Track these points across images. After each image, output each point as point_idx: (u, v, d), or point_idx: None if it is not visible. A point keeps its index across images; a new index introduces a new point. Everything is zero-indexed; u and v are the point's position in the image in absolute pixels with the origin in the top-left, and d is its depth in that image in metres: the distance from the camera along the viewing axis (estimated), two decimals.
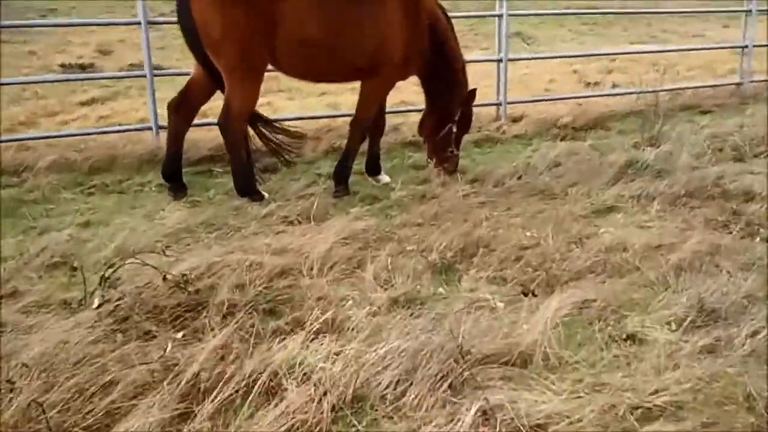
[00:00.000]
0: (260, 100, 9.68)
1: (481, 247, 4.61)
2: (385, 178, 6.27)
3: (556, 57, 10.83)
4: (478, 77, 9.98)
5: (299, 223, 5.13)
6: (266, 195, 5.68)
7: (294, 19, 5.30)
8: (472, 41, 17.00)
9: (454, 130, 6.19)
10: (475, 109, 8.35)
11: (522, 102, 8.86)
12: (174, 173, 5.84)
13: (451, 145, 6.21)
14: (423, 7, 5.79)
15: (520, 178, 6.22)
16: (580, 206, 5.47)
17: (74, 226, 5.08)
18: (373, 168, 6.31)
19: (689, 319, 3.55)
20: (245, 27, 5.21)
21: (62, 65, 13.14)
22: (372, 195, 5.85)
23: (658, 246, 4.60)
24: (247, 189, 5.65)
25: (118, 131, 7.21)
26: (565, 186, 5.96)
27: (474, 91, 6.22)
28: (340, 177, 5.88)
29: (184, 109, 5.76)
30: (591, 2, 23.19)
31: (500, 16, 8.22)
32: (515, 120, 8.41)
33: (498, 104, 8.45)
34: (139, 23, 6.75)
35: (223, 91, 5.51)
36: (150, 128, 7.06)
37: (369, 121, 5.94)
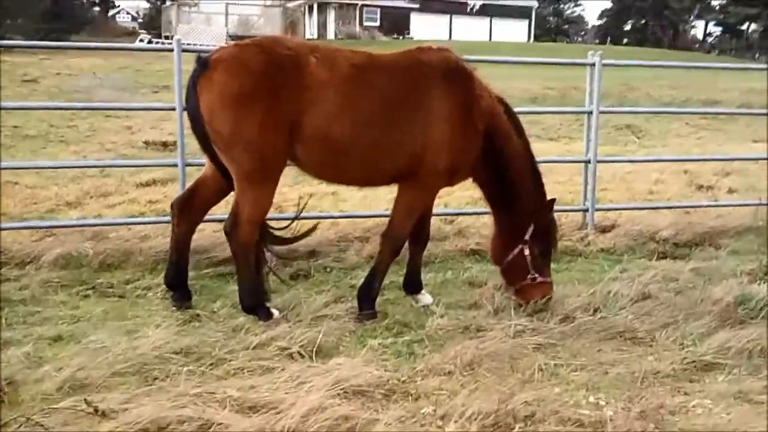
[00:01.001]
0: (327, 189, 8.97)
1: (521, 421, 3.42)
2: (425, 298, 5.18)
3: (653, 161, 9.33)
4: (573, 173, 8.89)
5: (301, 357, 4.13)
6: (276, 313, 4.73)
7: (320, 119, 4.47)
8: (578, 132, 15.87)
9: (527, 252, 5.00)
10: (559, 215, 7.30)
11: (613, 209, 7.57)
12: (177, 282, 5.02)
13: (529, 270, 4.99)
14: (478, 107, 4.80)
15: (596, 311, 4.96)
16: (668, 360, 4.19)
17: (41, 340, 4.31)
18: (413, 285, 5.25)
19: None
20: (261, 127, 4.40)
21: (145, 142, 13.03)
22: (402, 321, 4.77)
23: None
24: (254, 306, 4.73)
25: (139, 223, 6.55)
26: (652, 328, 4.66)
27: (551, 201, 5.08)
28: (365, 299, 4.85)
29: (190, 210, 4.98)
30: (711, 96, 21.50)
31: (590, 113, 7.09)
32: (605, 230, 7.13)
33: (584, 210, 7.23)
34: (173, 109, 6.16)
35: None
36: None
37: (404, 237, 4.93)
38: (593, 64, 6.95)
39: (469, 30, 49.63)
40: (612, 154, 12.50)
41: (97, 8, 50.81)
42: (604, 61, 6.94)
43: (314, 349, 4.17)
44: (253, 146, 4.43)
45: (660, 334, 4.57)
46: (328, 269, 5.89)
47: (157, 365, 3.95)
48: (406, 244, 5.22)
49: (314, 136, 4.50)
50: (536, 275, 5.01)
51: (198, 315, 4.80)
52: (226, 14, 38.79)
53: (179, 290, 5.03)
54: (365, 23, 51.60)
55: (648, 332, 4.60)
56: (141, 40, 40.88)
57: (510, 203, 5.02)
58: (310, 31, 50.86)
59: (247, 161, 4.48)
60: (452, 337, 4.47)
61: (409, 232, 4.93)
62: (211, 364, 4.01)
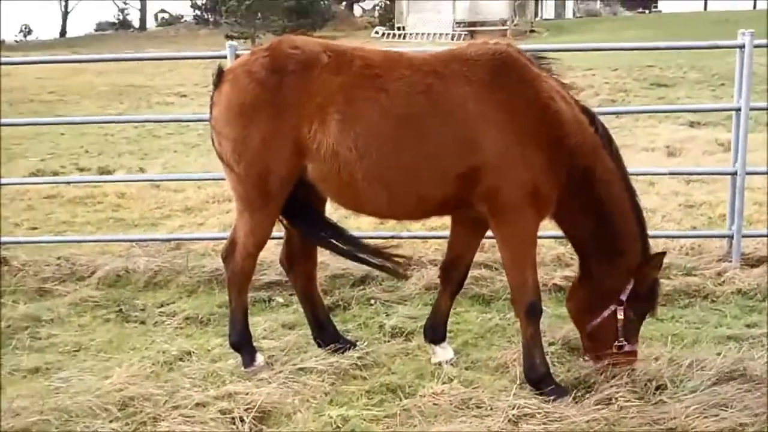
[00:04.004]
0: None
1: None
2: (444, 353, 4.22)
3: None
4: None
5: (241, 422, 3.54)
6: (259, 359, 4.16)
7: (330, 133, 3.77)
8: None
9: (620, 315, 3.86)
10: (699, 241, 5.82)
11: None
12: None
13: (618, 336, 3.87)
14: (548, 112, 3.73)
15: (659, 390, 3.68)
16: None
17: (19, 371, 4.23)
18: (434, 332, 4.28)
19: None
20: (264, 143, 3.86)
21: None
22: (394, 385, 3.88)
23: None
24: (239, 345, 4.21)
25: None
26: (718, 429, 3.31)
27: (661, 255, 3.91)
28: (537, 381, 3.81)
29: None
30: None
31: (737, 110, 5.45)
32: (754, 264, 5.47)
33: (728, 236, 5.60)
34: None
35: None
36: None
37: (533, 293, 3.85)
38: (742, 46, 5.32)
39: None
40: None
41: (343, 3, 53.60)
42: (758, 42, 5.26)
43: (256, 416, 3.55)
44: (254, 165, 3.90)
45: None
46: (372, 301, 5.17)
47: (85, 418, 3.60)
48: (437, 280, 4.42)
49: (324, 154, 3.81)
50: (624, 343, 3.88)
51: (190, 353, 4.41)
52: (453, 0, 38.41)
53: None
54: None
55: None
56: (376, 33, 42.29)
57: (604, 251, 3.88)
58: (545, 12, 48.80)
59: (247, 182, 3.97)
60: (436, 416, 3.55)
61: (535, 284, 3.88)
62: (141, 423, 3.58)
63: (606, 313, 3.88)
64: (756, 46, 5.26)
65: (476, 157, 3.71)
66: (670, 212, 7.28)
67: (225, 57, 5.53)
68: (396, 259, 4.24)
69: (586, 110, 3.94)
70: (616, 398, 3.60)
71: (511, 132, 3.71)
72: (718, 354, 3.99)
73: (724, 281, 5.25)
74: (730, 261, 5.49)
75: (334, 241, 4.21)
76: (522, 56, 3.89)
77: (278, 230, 4.30)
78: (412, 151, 3.78)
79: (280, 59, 3.90)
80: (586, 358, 4.04)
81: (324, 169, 3.86)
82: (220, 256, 4.34)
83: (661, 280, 5.11)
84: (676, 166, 9.79)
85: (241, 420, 3.54)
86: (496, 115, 3.72)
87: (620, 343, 3.87)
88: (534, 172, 3.73)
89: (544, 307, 4.83)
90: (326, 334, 4.38)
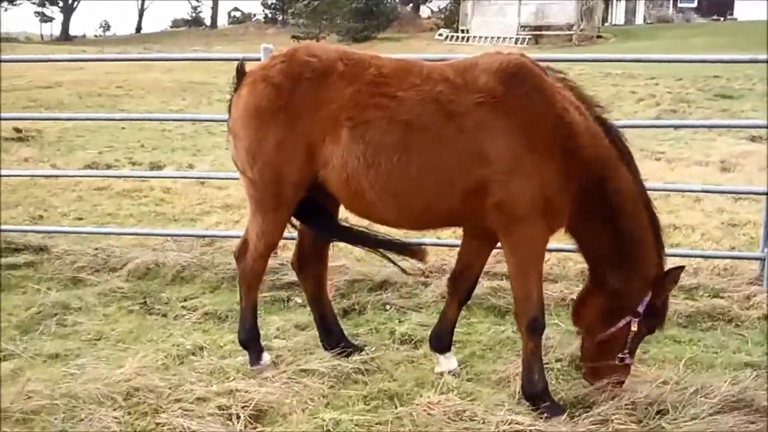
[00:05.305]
0: None
1: None
2: (448, 362, 4.22)
3: None
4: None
5: (237, 419, 3.63)
6: (266, 358, 4.26)
7: (339, 141, 3.82)
8: None
9: (634, 328, 3.82)
10: (728, 262, 5.65)
11: None
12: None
13: (625, 348, 3.86)
14: (561, 123, 3.68)
15: (660, 415, 3.60)
16: None
17: (40, 356, 4.42)
18: (439, 341, 4.28)
19: None
20: (278, 147, 3.93)
21: None
22: (391, 392, 3.92)
23: None
24: (247, 343, 4.31)
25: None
26: None
27: (677, 270, 3.82)
28: (533, 397, 3.79)
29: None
30: None
31: None
32: None
33: (761, 259, 5.41)
34: None
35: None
36: None
37: (536, 307, 3.78)
38: None
39: None
40: None
41: (409, 5, 53.79)
42: None
43: (252, 414, 3.64)
44: (267, 170, 3.98)
45: None
46: (388, 307, 5.20)
47: (90, 405, 3.75)
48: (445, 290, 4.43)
49: (335, 162, 3.87)
50: (626, 355, 3.87)
51: (202, 348, 4.54)
52: (519, 4, 38.01)
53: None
54: (680, 5, 46.99)
55: None
56: (440, 35, 42.23)
57: (620, 264, 3.82)
58: (615, 18, 47.79)
59: (260, 186, 4.05)
60: (427, 426, 3.56)
61: (539, 298, 3.81)
62: (142, 413, 3.72)
63: (621, 324, 3.82)
64: None
65: (486, 168, 3.68)
66: (710, 230, 7.08)
67: (260, 59, 5.63)
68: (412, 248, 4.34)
69: (602, 121, 3.88)
70: (612, 420, 3.54)
71: (522, 143, 3.67)
72: (728, 381, 3.87)
73: (751, 305, 5.08)
74: (761, 284, 5.30)
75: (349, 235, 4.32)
76: (536, 66, 3.86)
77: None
78: (421, 161, 3.76)
79: (297, 66, 3.95)
80: (581, 367, 4.01)
81: (334, 177, 3.90)
82: (233, 256, 4.46)
83: (686, 301, 5.07)
84: (727, 182, 9.51)
85: (237, 417, 3.64)
86: (508, 126, 3.68)
87: (623, 356, 3.84)
88: (546, 185, 3.68)
89: (558, 322, 4.87)
90: (333, 337, 4.44)
